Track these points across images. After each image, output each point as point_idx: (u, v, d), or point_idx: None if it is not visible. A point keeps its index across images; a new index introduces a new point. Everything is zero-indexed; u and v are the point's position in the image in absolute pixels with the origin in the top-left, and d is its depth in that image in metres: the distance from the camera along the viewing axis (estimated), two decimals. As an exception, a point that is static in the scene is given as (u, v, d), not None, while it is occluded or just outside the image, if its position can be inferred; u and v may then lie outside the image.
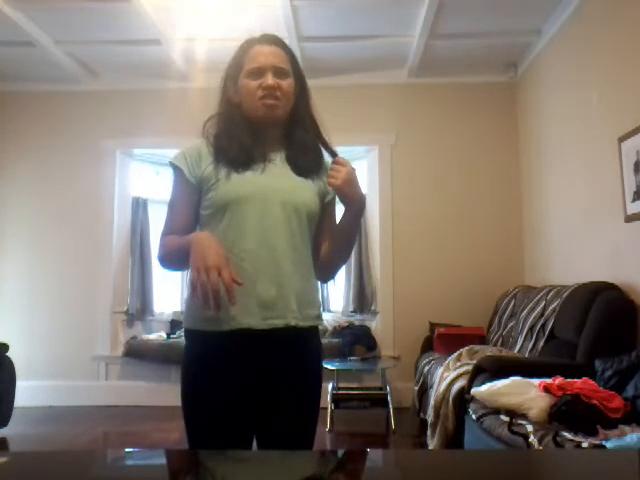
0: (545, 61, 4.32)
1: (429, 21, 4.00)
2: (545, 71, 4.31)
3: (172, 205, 1.52)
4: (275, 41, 1.52)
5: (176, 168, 1.50)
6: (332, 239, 1.55)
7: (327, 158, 1.56)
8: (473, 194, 4.91)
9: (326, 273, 1.60)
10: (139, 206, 5.17)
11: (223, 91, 1.53)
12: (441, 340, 4.21)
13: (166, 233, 1.49)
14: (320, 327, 1.56)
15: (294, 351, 1.44)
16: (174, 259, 1.46)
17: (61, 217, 5.03)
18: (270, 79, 1.45)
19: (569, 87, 3.87)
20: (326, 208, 1.56)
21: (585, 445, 1.94)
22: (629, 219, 3.06)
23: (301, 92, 1.54)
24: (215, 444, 1.39)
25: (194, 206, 1.49)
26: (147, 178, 5.38)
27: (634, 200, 3.00)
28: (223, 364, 1.40)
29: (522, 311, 3.78)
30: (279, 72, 1.47)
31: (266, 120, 1.49)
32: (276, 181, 1.47)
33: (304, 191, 1.49)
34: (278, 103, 1.46)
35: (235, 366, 1.40)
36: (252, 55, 1.48)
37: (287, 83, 1.48)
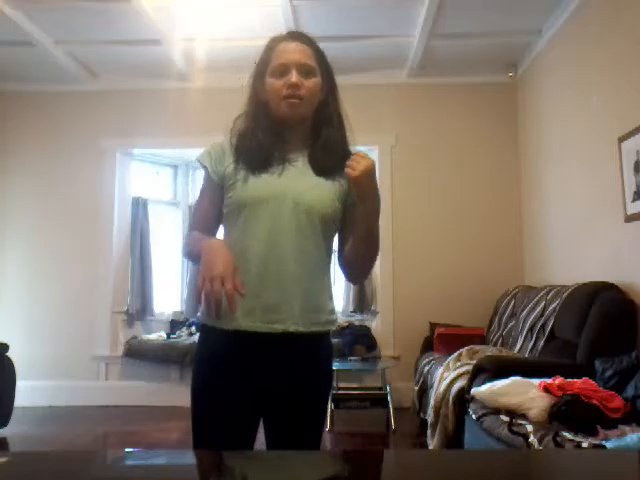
0: (545, 61, 4.32)
1: (429, 21, 4.00)
2: (545, 71, 4.31)
3: (198, 201, 1.56)
4: (301, 37, 1.50)
5: (203, 166, 1.53)
6: (352, 239, 1.52)
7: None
8: (473, 194, 4.91)
9: (354, 275, 1.60)
10: (139, 206, 5.17)
11: (251, 89, 1.52)
12: (441, 340, 4.21)
13: (191, 229, 1.53)
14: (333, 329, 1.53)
15: (296, 355, 1.43)
16: (193, 259, 1.48)
17: (61, 217, 5.03)
18: (294, 77, 1.44)
19: (569, 87, 3.87)
20: (349, 209, 1.52)
21: (585, 445, 1.94)
22: (629, 219, 3.06)
23: (329, 90, 1.53)
24: (215, 440, 1.41)
25: (217, 203, 1.50)
26: (147, 178, 5.39)
27: (634, 200, 3.00)
28: (226, 360, 1.42)
29: (522, 311, 3.78)
30: (304, 69, 1.45)
31: (289, 119, 1.48)
32: (291, 183, 1.45)
33: (319, 192, 1.47)
34: (301, 102, 1.45)
35: (237, 363, 1.42)
36: (277, 53, 1.47)
37: (312, 82, 1.46)
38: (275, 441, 1.47)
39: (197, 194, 1.59)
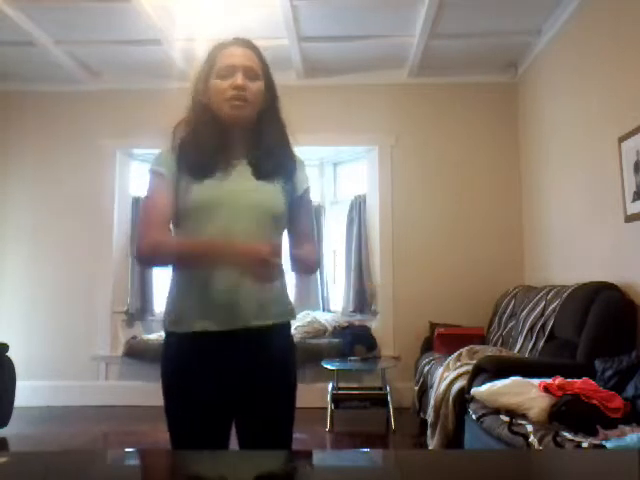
0: (545, 61, 4.32)
1: (429, 21, 4.00)
2: (545, 71, 4.31)
3: (148, 205, 1.52)
4: (248, 44, 1.54)
5: (158, 172, 1.51)
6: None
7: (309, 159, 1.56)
8: (473, 194, 4.91)
9: (302, 271, 1.69)
10: (139, 206, 5.17)
11: (193, 93, 1.55)
12: (441, 340, 4.21)
13: (149, 228, 1.48)
14: (292, 322, 1.58)
15: (257, 349, 1.46)
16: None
17: (61, 217, 5.03)
18: (240, 79, 1.47)
19: (569, 87, 3.87)
20: (294, 204, 1.57)
21: (585, 445, 1.94)
22: (629, 219, 3.06)
23: (271, 98, 1.56)
24: (188, 442, 1.45)
25: (171, 205, 1.49)
26: (147, 178, 5.38)
27: (634, 200, 3.00)
28: (190, 364, 1.46)
29: (522, 311, 3.78)
30: (249, 73, 1.49)
31: (232, 120, 1.50)
32: (237, 186, 1.49)
33: (265, 193, 1.50)
34: (245, 105, 1.48)
35: (201, 366, 1.45)
36: (224, 56, 1.50)
37: (256, 86, 1.50)
38: (246, 440, 1.50)
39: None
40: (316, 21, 4.13)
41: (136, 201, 5.17)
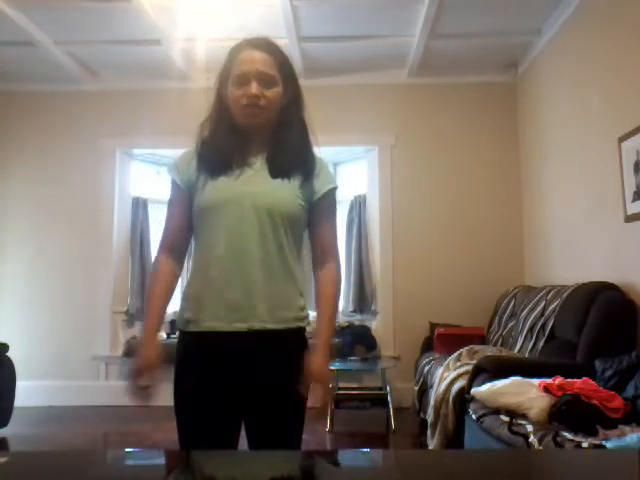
0: (545, 61, 4.32)
1: (429, 21, 4.00)
2: (545, 71, 4.31)
3: (167, 214, 1.58)
4: (263, 46, 1.50)
5: (171, 178, 1.56)
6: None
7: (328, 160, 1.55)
8: (473, 194, 4.91)
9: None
10: (139, 206, 5.17)
11: (216, 94, 1.55)
12: (441, 340, 4.21)
13: (162, 244, 1.54)
14: (307, 327, 1.55)
15: (265, 353, 1.45)
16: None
17: (61, 217, 5.03)
18: (254, 88, 1.45)
19: (569, 87, 3.87)
20: (314, 208, 1.54)
21: (585, 445, 1.94)
22: (629, 219, 3.06)
23: (292, 95, 1.53)
24: (196, 437, 1.50)
25: (187, 212, 1.53)
26: (147, 178, 5.39)
27: (634, 200, 3.00)
28: (198, 362, 1.48)
29: (522, 311, 3.78)
30: (264, 79, 1.46)
31: (249, 126, 1.51)
32: (250, 185, 1.47)
33: (279, 193, 1.48)
34: (259, 112, 1.47)
35: (208, 364, 1.46)
36: (238, 61, 1.48)
37: (272, 92, 1.47)
38: (254, 441, 1.49)
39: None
40: (316, 21, 4.13)
41: (136, 201, 5.17)
